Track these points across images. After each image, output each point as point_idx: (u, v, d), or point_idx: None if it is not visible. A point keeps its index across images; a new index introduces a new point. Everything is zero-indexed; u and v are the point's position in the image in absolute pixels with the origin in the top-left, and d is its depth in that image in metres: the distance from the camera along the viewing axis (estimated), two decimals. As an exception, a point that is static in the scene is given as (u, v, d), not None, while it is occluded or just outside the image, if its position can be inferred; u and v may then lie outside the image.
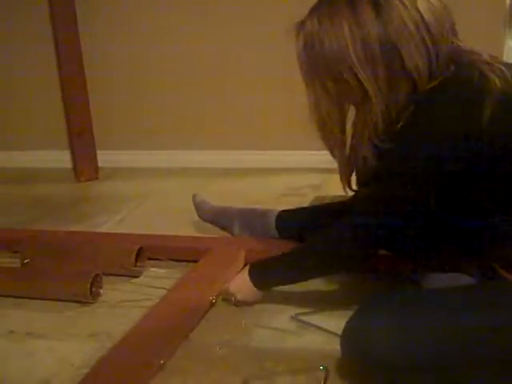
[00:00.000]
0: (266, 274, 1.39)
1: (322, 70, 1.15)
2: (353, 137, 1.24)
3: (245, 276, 1.39)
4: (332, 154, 1.29)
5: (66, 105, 2.75)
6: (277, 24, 2.50)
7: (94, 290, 1.52)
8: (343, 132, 1.23)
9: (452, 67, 1.11)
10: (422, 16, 1.08)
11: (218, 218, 1.88)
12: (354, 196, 1.38)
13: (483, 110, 1.04)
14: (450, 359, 1.03)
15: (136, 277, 1.64)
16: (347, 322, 1.11)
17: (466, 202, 1.14)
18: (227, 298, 1.43)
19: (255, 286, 1.38)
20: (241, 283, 1.41)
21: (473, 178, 1.10)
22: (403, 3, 1.08)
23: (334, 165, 2.58)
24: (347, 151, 1.26)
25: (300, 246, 1.42)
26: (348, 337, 1.09)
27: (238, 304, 1.42)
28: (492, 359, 1.04)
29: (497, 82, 1.05)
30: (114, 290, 1.56)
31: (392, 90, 1.10)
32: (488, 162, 1.07)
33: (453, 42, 1.13)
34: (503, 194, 1.10)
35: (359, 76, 1.10)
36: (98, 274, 1.54)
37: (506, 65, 1.10)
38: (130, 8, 2.67)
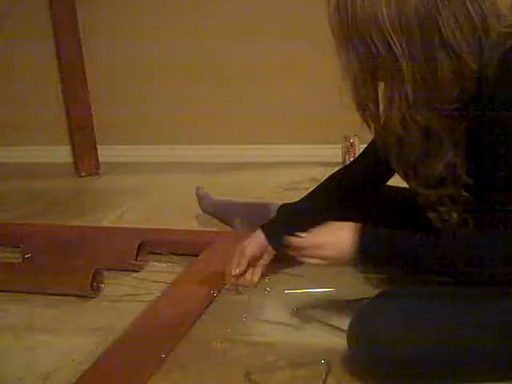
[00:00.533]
0: (387, 250, 1.13)
1: (353, 33, 1.03)
2: (384, 111, 1.10)
3: (351, 238, 1.14)
4: (366, 124, 1.14)
5: (66, 100, 2.75)
6: (276, 16, 2.51)
7: (94, 284, 1.51)
8: (376, 100, 1.09)
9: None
10: None
11: (219, 211, 1.87)
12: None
13: None
14: (456, 355, 1.03)
15: (137, 271, 1.63)
16: (353, 317, 1.10)
17: None
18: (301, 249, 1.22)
19: (359, 255, 1.14)
20: (338, 244, 1.17)
21: None
22: None
23: (335, 159, 2.59)
24: (381, 121, 1.12)
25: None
26: (354, 331, 1.09)
27: (310, 261, 1.21)
28: (501, 355, 1.03)
29: None
30: (115, 285, 1.56)
31: (429, 63, 0.99)
32: None
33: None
34: None
35: (391, 43, 0.99)
36: (99, 269, 1.53)
37: None
38: (132, 1, 2.66)
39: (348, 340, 1.10)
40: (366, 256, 1.15)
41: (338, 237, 1.17)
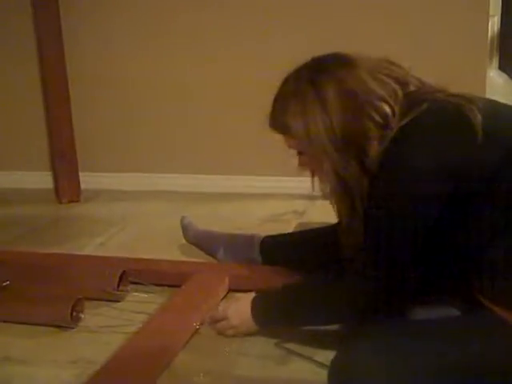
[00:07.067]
0: (267, 313, 1.35)
1: None
2: None
3: (246, 308, 1.35)
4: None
5: (49, 125, 2.73)
6: (252, 47, 2.53)
7: (74, 314, 1.49)
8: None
9: (424, 105, 1.13)
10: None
11: (203, 241, 1.87)
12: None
13: (473, 128, 1.06)
14: None
15: (118, 301, 1.61)
16: (334, 358, 1.10)
17: (459, 230, 1.14)
18: (217, 322, 1.40)
19: (255, 322, 1.34)
20: (240, 312, 1.36)
21: (470, 201, 1.10)
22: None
23: (318, 191, 2.58)
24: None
25: (302, 292, 1.33)
26: (335, 373, 1.08)
27: (226, 332, 1.39)
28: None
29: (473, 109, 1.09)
30: (95, 315, 1.54)
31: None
32: (488, 179, 1.08)
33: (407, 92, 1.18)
34: (502, 213, 1.09)
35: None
36: (79, 299, 1.51)
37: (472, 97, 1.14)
38: (116, 28, 2.66)
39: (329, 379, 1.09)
40: (260, 320, 1.34)
41: (239, 306, 1.38)
